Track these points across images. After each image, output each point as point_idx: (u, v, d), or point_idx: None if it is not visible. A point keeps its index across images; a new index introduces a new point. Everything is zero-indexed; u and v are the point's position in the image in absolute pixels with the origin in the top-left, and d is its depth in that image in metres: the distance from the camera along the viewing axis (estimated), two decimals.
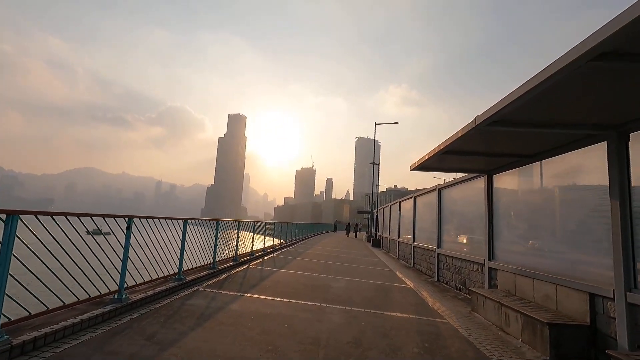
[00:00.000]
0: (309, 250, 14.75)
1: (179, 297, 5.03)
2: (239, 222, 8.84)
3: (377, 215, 21.90)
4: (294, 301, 5.40)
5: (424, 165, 6.06)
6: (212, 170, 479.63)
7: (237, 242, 8.84)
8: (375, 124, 27.61)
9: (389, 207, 17.95)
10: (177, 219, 5.77)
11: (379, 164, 25.64)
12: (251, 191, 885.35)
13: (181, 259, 5.71)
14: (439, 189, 9.13)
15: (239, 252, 9.00)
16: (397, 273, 9.92)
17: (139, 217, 4.71)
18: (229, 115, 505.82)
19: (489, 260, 6.11)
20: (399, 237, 14.39)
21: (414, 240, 11.55)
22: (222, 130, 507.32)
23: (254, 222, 10.75)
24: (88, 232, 3.74)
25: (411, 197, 12.21)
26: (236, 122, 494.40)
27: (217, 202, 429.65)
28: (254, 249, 10.29)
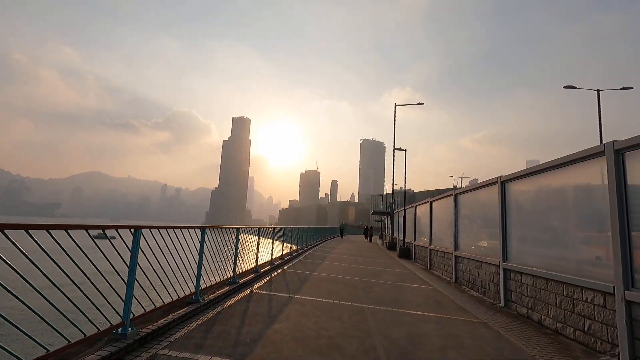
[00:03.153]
0: (316, 271, 9.61)
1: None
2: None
3: (404, 216, 16.78)
4: None
5: None
6: (216, 173, 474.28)
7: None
8: (395, 105, 22.55)
9: (428, 203, 12.74)
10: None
11: (405, 150, 20.50)
12: (256, 194, 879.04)
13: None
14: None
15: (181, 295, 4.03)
16: (495, 327, 4.83)
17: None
18: (233, 118, 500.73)
19: None
20: (456, 249, 9.27)
21: (505, 260, 6.44)
22: (226, 134, 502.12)
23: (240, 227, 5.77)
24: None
25: (495, 182, 7.11)
26: (241, 125, 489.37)
27: (222, 206, 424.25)
28: (212, 284, 5.22)
